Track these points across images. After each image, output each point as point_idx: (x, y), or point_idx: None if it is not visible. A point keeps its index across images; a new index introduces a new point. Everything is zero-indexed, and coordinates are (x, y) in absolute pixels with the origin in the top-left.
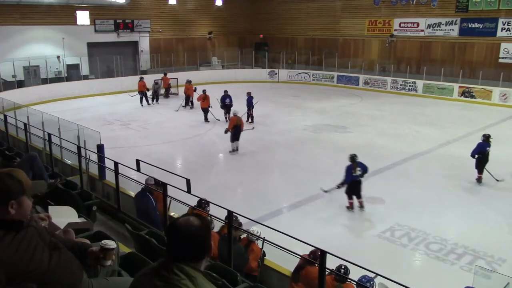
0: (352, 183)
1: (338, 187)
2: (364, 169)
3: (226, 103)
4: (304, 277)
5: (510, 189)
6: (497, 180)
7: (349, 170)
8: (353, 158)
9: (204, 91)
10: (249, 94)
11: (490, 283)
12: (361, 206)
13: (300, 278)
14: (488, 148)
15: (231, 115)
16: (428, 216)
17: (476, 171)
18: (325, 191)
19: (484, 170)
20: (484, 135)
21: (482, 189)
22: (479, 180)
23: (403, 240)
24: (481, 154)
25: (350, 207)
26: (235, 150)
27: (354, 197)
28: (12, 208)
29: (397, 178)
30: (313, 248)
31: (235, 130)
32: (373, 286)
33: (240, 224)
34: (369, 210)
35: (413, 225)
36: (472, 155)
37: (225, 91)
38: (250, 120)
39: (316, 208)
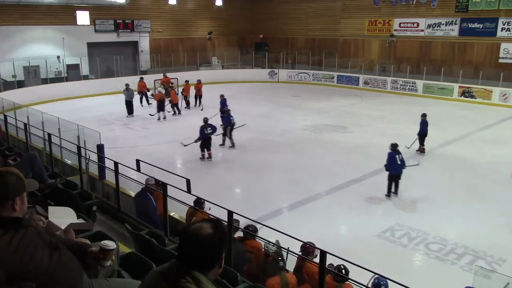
0: (205, 139)
1: (196, 141)
2: (213, 129)
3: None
4: (306, 276)
5: (510, 189)
6: (407, 147)
7: (202, 129)
8: (205, 120)
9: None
10: (222, 96)
11: (490, 283)
12: (210, 157)
13: (303, 279)
14: (427, 126)
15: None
16: (428, 216)
17: (419, 145)
18: (184, 145)
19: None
20: (423, 114)
21: (482, 190)
22: (422, 151)
23: (403, 240)
24: (423, 131)
25: (202, 158)
26: (160, 118)
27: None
28: (17, 205)
29: None
30: (301, 243)
31: (160, 103)
32: (387, 286)
33: (256, 229)
34: (369, 210)
35: (413, 225)
36: (425, 132)
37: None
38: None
39: (316, 208)
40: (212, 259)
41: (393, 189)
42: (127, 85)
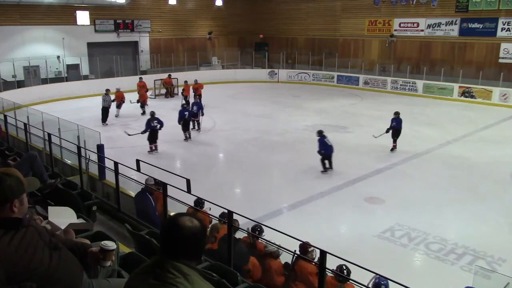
0: (151, 132)
1: (142, 133)
2: (160, 123)
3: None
4: (299, 273)
5: (510, 189)
6: (375, 137)
7: (148, 122)
8: (152, 114)
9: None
10: (197, 99)
11: (490, 283)
12: (156, 149)
13: (296, 276)
14: (401, 123)
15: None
16: (428, 216)
17: (392, 141)
18: (129, 135)
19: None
20: (396, 113)
21: (483, 189)
22: (394, 147)
23: (403, 240)
24: (398, 127)
25: (150, 150)
26: (117, 116)
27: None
28: (15, 207)
29: (397, 178)
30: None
31: (122, 102)
32: (387, 286)
33: (261, 230)
34: (369, 210)
35: (413, 225)
36: (400, 129)
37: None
38: (197, 128)
39: (316, 208)
40: (202, 249)
41: (327, 166)
42: (107, 90)
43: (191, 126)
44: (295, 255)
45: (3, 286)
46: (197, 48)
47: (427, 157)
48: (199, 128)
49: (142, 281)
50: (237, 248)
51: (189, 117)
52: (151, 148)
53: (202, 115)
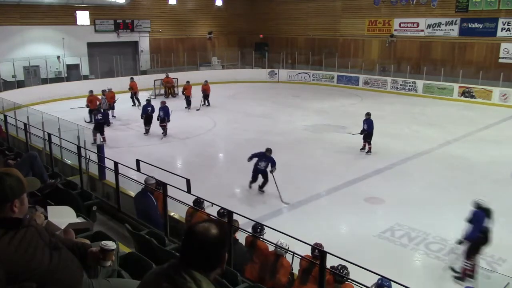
0: (96, 125)
1: (92, 123)
2: (104, 117)
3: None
4: (314, 278)
5: (510, 189)
6: (352, 134)
7: (95, 115)
8: (98, 108)
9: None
10: (163, 103)
11: (490, 283)
12: (104, 140)
13: (309, 280)
14: (372, 126)
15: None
16: (428, 216)
17: (366, 144)
18: (86, 121)
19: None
20: (367, 113)
21: (482, 189)
22: (369, 150)
23: (403, 240)
24: (369, 130)
25: (94, 142)
26: (114, 117)
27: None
28: (16, 206)
29: (397, 178)
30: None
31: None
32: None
33: (262, 228)
34: (369, 210)
35: (413, 225)
36: (371, 131)
37: (148, 100)
38: (162, 132)
39: (316, 208)
40: (218, 259)
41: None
42: (103, 91)
43: (161, 131)
44: (295, 255)
45: (3, 286)
46: (197, 48)
47: (427, 157)
48: (165, 134)
49: (155, 282)
50: (237, 248)
51: (152, 112)
52: (94, 139)
53: (168, 121)
